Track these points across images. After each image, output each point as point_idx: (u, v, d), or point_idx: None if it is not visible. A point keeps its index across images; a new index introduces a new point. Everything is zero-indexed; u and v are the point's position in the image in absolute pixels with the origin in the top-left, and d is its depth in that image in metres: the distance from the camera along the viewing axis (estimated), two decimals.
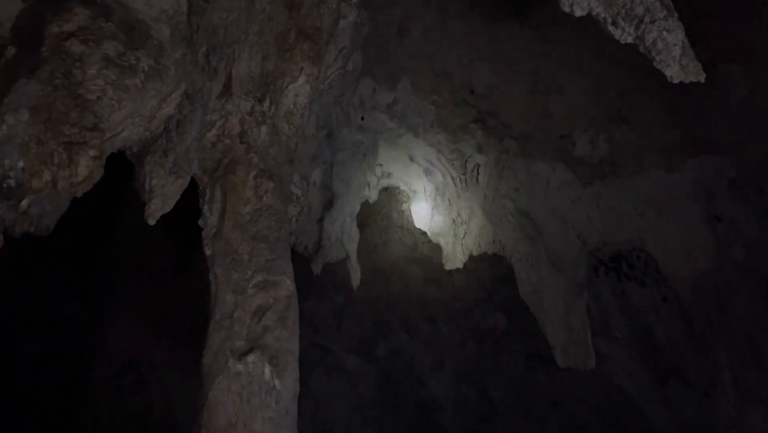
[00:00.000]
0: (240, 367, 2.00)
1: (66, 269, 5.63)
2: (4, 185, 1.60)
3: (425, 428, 6.17)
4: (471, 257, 4.72)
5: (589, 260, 4.40)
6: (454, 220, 4.29)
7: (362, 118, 3.98)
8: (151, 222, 2.06)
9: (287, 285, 2.21)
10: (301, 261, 4.56)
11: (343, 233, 4.19)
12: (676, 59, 1.48)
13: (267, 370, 2.01)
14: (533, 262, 4.23)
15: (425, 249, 5.55)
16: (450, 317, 6.13)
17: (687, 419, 4.91)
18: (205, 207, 2.33)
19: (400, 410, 6.30)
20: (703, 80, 1.52)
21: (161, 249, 5.86)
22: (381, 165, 4.34)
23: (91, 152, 1.66)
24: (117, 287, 5.67)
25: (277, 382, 2.01)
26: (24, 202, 1.66)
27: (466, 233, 4.27)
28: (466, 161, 4.20)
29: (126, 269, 5.73)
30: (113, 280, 5.66)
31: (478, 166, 4.17)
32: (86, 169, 1.65)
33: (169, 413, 5.84)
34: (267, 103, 2.44)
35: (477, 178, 4.18)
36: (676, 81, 1.53)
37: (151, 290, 5.68)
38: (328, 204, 4.10)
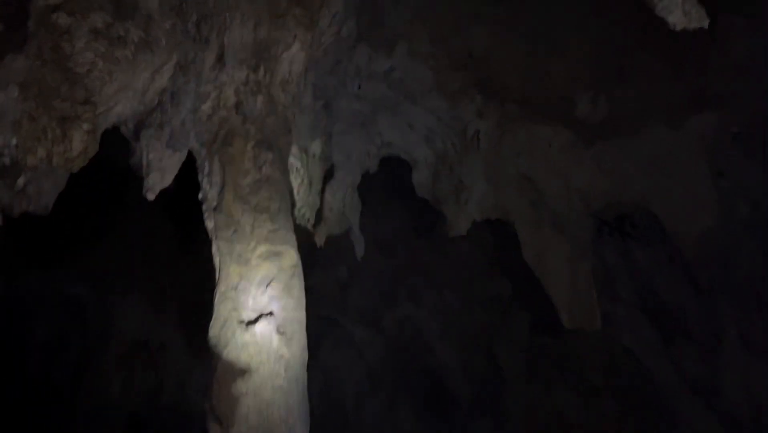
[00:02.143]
0: (248, 337, 2.00)
1: (71, 252, 5.63)
2: None
3: (433, 395, 6.24)
4: (474, 224, 4.69)
5: (593, 222, 4.38)
6: (456, 187, 4.26)
7: (359, 87, 3.92)
8: (150, 197, 2.04)
9: (291, 255, 2.20)
10: (304, 234, 4.55)
11: (346, 204, 4.16)
12: (678, 5, 1.44)
13: (275, 339, 2.02)
14: (537, 226, 4.21)
15: (428, 217, 5.53)
16: (455, 285, 6.15)
17: (693, 376, 4.94)
18: (205, 180, 2.31)
19: (409, 379, 6.36)
20: (706, 26, 1.48)
21: (165, 228, 5.85)
22: (380, 134, 4.30)
23: (85, 126, 1.64)
24: (122, 268, 5.68)
25: (285, 350, 2.02)
26: (20, 181, 1.64)
27: (468, 199, 4.24)
28: (466, 127, 4.15)
29: (130, 249, 5.74)
30: (118, 261, 5.66)
31: (478, 131, 4.12)
32: (81, 144, 1.63)
33: (181, 390, 5.90)
34: (261, 72, 2.40)
35: (478, 143, 4.14)
36: (679, 28, 1.48)
37: (157, 269, 5.69)
38: (329, 175, 4.07)
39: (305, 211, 4.16)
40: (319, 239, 4.05)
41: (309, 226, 4.29)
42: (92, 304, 5.75)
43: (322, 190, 4.12)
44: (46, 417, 5.48)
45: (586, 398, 5.53)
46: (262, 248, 2.17)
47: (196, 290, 5.46)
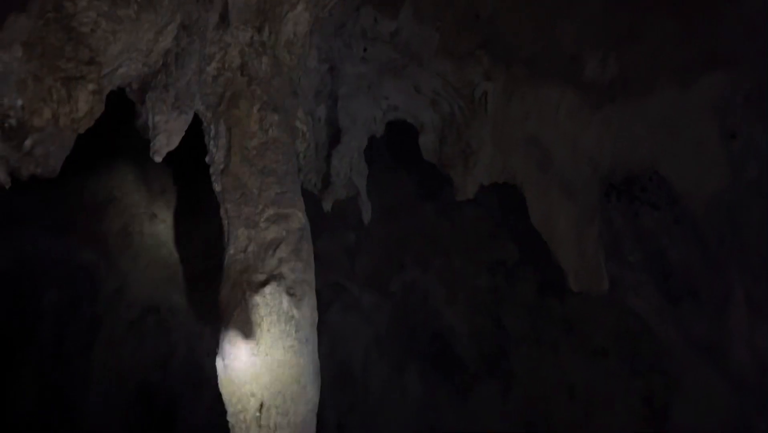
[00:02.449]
0: (258, 299, 2.02)
1: (80, 218, 5.65)
2: (6, 125, 1.58)
3: (441, 359, 6.31)
4: (481, 188, 4.67)
5: (600, 185, 4.36)
6: (463, 150, 4.22)
7: (365, 50, 3.86)
8: (157, 159, 2.04)
9: (299, 217, 2.20)
10: (310, 199, 4.55)
11: (352, 169, 4.14)
12: None
13: (285, 300, 2.04)
14: (544, 189, 4.18)
15: (435, 182, 5.51)
16: (462, 250, 6.15)
17: (699, 337, 4.97)
18: (211, 143, 2.30)
19: (416, 342, 6.42)
20: None
21: (171, 193, 5.85)
22: (386, 98, 4.25)
23: (90, 87, 1.62)
24: (130, 233, 5.71)
25: (295, 311, 2.04)
26: (27, 142, 1.63)
27: (475, 163, 4.21)
28: (473, 90, 4.10)
29: (137, 215, 5.76)
30: (125, 227, 5.69)
31: (485, 93, 4.07)
32: (86, 104, 1.62)
33: (192, 355, 5.98)
34: (266, 32, 2.36)
35: (485, 106, 4.09)
36: None
37: (164, 234, 5.72)
38: (335, 140, 4.04)
39: (312, 177, 4.15)
40: (326, 204, 4.05)
41: (316, 191, 4.28)
42: (102, 270, 5.80)
43: (329, 155, 4.10)
44: (59, 381, 5.59)
45: (592, 361, 5.59)
46: (270, 211, 2.17)
47: (206, 255, 5.52)
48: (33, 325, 5.70)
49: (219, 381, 1.99)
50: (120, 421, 5.65)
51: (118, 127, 5.04)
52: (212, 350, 2.17)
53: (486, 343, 6.15)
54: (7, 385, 5.51)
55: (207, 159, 2.29)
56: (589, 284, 4.08)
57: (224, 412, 2.05)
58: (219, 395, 2.07)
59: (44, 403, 5.48)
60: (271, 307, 2.00)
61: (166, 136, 2.05)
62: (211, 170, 2.26)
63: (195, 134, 2.44)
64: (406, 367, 6.40)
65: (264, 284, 2.03)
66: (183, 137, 2.13)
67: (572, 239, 4.09)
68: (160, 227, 5.88)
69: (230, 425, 1.95)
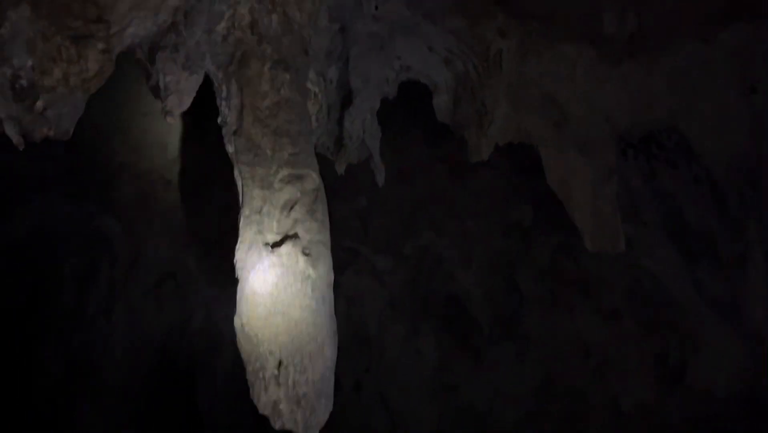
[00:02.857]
0: (274, 258, 2.02)
1: (96, 185, 5.69)
2: (17, 85, 1.57)
3: (455, 321, 6.35)
4: (497, 149, 4.61)
5: (617, 144, 4.28)
6: (477, 110, 4.15)
7: (376, 8, 3.77)
8: (170, 120, 2.03)
9: (313, 178, 2.19)
10: (324, 163, 4.52)
11: (365, 132, 4.10)
12: None
13: (300, 260, 2.04)
14: (560, 149, 4.11)
15: (448, 144, 5.46)
16: (476, 213, 6.13)
17: (715, 297, 4.95)
18: (223, 104, 2.28)
19: (430, 305, 6.46)
20: None
21: (186, 158, 5.86)
22: (399, 58, 4.16)
23: (99, 45, 1.60)
24: (146, 199, 5.75)
25: (311, 271, 2.04)
26: (39, 103, 1.62)
27: (490, 123, 4.13)
28: (488, 47, 3.99)
29: (152, 181, 5.79)
30: (141, 193, 5.72)
31: (500, 51, 3.96)
32: (96, 63, 1.60)
33: (210, 319, 6.07)
34: None
35: (500, 64, 3.99)
36: None
37: (180, 199, 5.75)
38: (347, 102, 3.98)
39: (324, 140, 4.11)
40: (339, 167, 4.02)
41: (329, 154, 4.25)
42: (119, 236, 5.86)
43: (341, 118, 4.05)
44: (82, 344, 5.72)
45: (607, 321, 5.60)
46: (284, 172, 2.15)
47: (221, 220, 5.54)
48: (55, 290, 5.81)
49: (237, 341, 2.02)
50: (143, 382, 5.79)
51: (132, 90, 5.06)
52: (229, 314, 2.18)
53: (501, 305, 6.17)
54: (33, 349, 5.66)
55: (219, 120, 2.27)
56: (606, 243, 4.03)
57: (243, 374, 2.08)
58: (238, 358, 2.09)
59: (70, 365, 5.63)
60: (287, 267, 2.01)
61: (177, 97, 2.03)
62: (224, 132, 2.25)
63: (210, 97, 2.42)
64: (421, 330, 6.46)
65: (279, 244, 2.03)
66: (197, 101, 2.11)
67: (588, 199, 4.04)
68: (176, 192, 5.91)
69: (249, 384, 1.98)
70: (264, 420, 2.02)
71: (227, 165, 2.39)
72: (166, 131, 5.58)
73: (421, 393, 6.39)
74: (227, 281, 2.30)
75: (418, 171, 6.05)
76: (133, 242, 5.95)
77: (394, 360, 6.45)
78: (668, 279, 5.22)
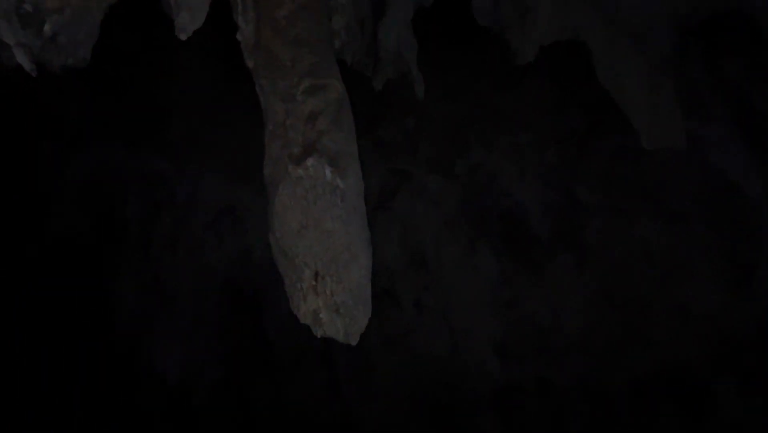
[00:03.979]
0: (301, 171, 1.99)
1: (147, 128, 5.83)
2: (21, 11, 1.55)
3: (513, 237, 6.25)
4: (543, 53, 4.34)
5: (676, 31, 3.93)
6: (519, 8, 3.89)
7: None
8: (183, 37, 1.98)
9: (336, 87, 2.11)
10: (361, 81, 4.41)
11: (400, 44, 3.94)
12: None
13: (328, 172, 2.00)
14: (612, 42, 3.81)
15: (492, 53, 5.20)
16: (527, 124, 5.89)
17: None
18: (240, 18, 2.20)
19: (486, 223, 6.37)
20: None
21: (232, 94, 5.87)
22: None
23: None
24: (194, 138, 5.85)
25: (340, 182, 2.00)
26: (46, 28, 1.60)
27: (534, 21, 3.88)
28: None
29: (199, 120, 5.86)
30: (190, 132, 5.82)
31: None
32: None
33: (268, 250, 6.22)
34: None
35: None
36: None
37: (226, 135, 5.82)
38: (380, 13, 3.81)
39: (360, 56, 3.98)
40: (377, 83, 3.90)
41: (367, 72, 4.13)
42: (174, 177, 6.03)
43: (375, 31, 3.90)
44: (152, 278, 6.04)
45: (672, 225, 5.36)
46: (306, 83, 2.09)
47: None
48: (121, 231, 6.10)
49: (274, 255, 2.03)
50: (212, 310, 6.10)
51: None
52: None
53: (558, 217, 6.00)
54: (109, 286, 6.04)
55: (237, 36, 2.20)
56: (665, 140, 3.78)
57: None
58: None
59: (143, 297, 5.99)
60: (314, 179, 1.97)
61: (189, 14, 1.97)
62: (242, 47, 2.19)
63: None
64: (478, 247, 6.40)
65: (305, 157, 1.99)
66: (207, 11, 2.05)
67: (645, 94, 3.77)
68: (225, 129, 5.97)
69: (288, 296, 2.00)
70: (331, 343, 2.06)
71: None
72: (213, 70, 5.59)
73: (481, 309, 6.40)
74: None
75: (462, 86, 5.83)
76: (188, 182, 6.12)
77: (453, 278, 6.46)
78: (737, 177, 4.90)
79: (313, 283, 1.93)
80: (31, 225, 5.71)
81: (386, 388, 6.34)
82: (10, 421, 5.34)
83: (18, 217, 5.56)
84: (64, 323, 5.75)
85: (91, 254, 5.94)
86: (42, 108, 5.38)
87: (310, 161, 1.98)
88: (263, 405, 6.30)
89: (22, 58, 1.60)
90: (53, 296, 5.73)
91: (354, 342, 1.96)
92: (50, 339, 5.61)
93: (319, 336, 1.97)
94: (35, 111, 5.34)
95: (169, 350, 5.98)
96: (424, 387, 6.29)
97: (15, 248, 5.61)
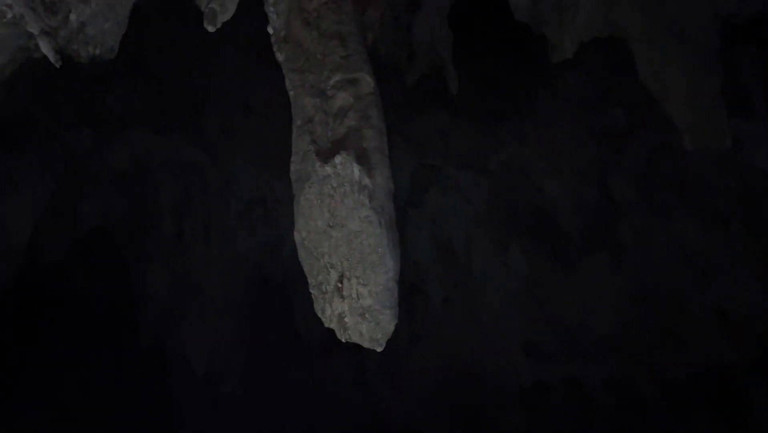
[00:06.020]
0: (328, 169, 1.96)
1: (180, 117, 5.87)
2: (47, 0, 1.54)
3: (544, 234, 6.14)
4: (582, 48, 4.22)
5: (722, 28, 3.77)
6: (558, 3, 3.78)
7: None
8: (211, 29, 1.96)
9: (367, 81, 2.06)
10: (396, 75, 4.36)
11: (435, 38, 3.87)
12: None
13: (356, 170, 1.96)
14: (653, 38, 3.67)
15: (528, 47, 5.08)
16: (563, 119, 5.75)
17: None
18: (270, 10, 2.18)
19: (518, 219, 6.26)
20: None
21: (265, 84, 5.88)
22: None
23: None
24: (227, 129, 5.88)
25: (368, 180, 1.95)
26: (72, 17, 1.60)
27: (573, 16, 3.76)
28: None
29: (233, 109, 5.89)
30: (223, 123, 5.85)
31: None
32: None
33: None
34: None
35: None
36: None
37: (259, 125, 5.83)
38: (414, 6, 3.75)
39: (394, 50, 3.94)
40: (411, 79, 3.85)
41: (399, 65, 4.08)
42: (208, 166, 6.08)
43: (409, 25, 3.84)
44: (184, 267, 6.11)
45: (710, 227, 5.18)
46: (336, 77, 2.05)
47: None
48: (154, 219, 6.19)
49: (299, 255, 2.00)
50: (242, 300, 6.16)
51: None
52: None
53: (593, 215, 5.86)
54: (141, 272, 6.14)
55: (268, 28, 2.18)
56: (708, 140, 3.62)
57: None
58: None
59: (174, 285, 6.08)
60: (342, 177, 1.93)
61: (218, 4, 1.96)
62: (273, 39, 2.16)
63: None
64: (510, 244, 6.30)
65: (333, 154, 1.95)
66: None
67: (687, 92, 3.62)
68: (258, 120, 5.99)
69: (313, 297, 1.97)
70: None
71: None
72: (246, 61, 5.59)
73: (511, 307, 6.32)
74: None
75: (497, 79, 5.72)
76: (221, 171, 6.16)
77: (483, 275, 6.38)
78: None
79: (339, 285, 1.90)
80: (65, 213, 5.81)
81: (413, 380, 6.32)
82: (40, 404, 5.48)
83: (54, 204, 5.65)
84: (96, 308, 5.87)
85: (124, 241, 6.04)
86: (77, 97, 5.47)
87: (338, 159, 1.94)
88: (291, 394, 6.36)
89: (46, 47, 1.59)
90: (86, 283, 5.85)
91: (380, 348, 1.91)
92: (82, 324, 5.73)
93: (343, 341, 1.93)
94: (71, 100, 5.42)
95: (198, 338, 6.07)
96: (451, 382, 6.25)
97: (50, 236, 5.73)
